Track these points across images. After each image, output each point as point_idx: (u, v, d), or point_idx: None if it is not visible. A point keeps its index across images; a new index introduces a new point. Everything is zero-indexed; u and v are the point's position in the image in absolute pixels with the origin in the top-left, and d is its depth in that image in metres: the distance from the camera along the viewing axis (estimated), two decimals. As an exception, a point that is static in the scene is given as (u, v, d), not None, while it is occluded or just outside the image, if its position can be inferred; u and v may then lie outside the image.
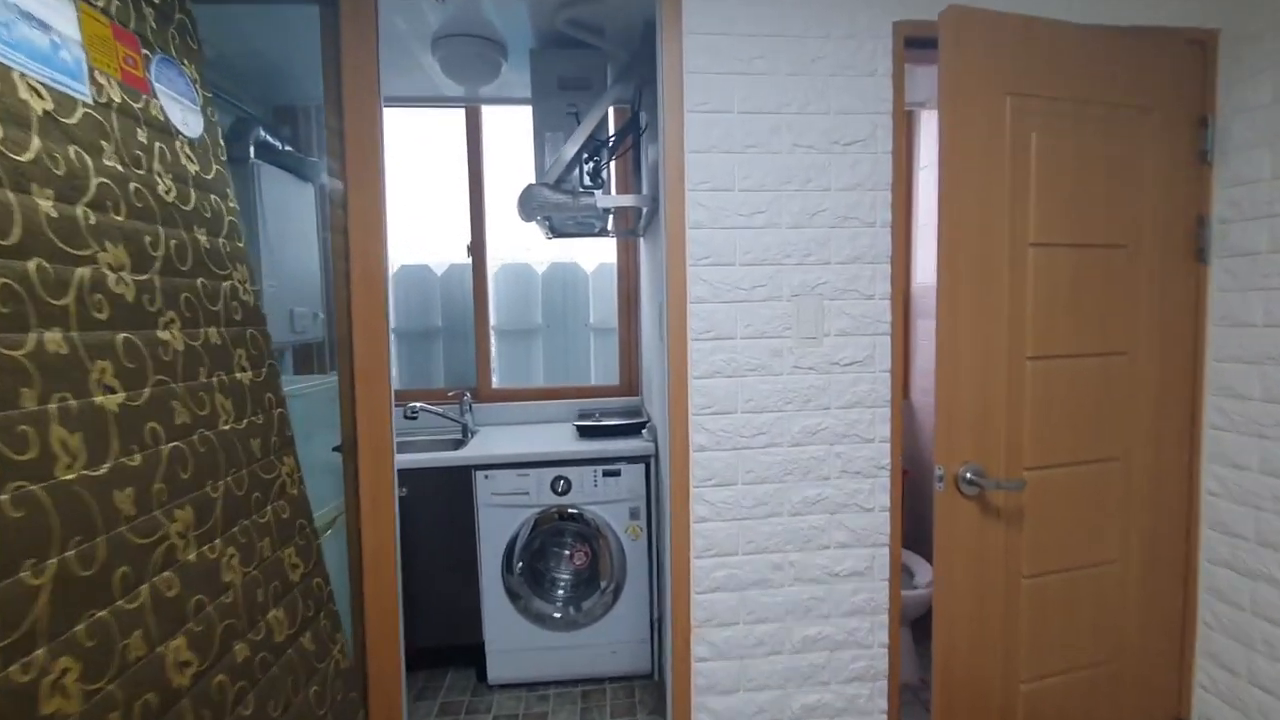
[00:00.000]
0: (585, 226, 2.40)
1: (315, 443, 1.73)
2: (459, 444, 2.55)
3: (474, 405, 2.73)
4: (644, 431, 2.34)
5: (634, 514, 2.25)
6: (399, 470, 2.17)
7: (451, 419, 2.62)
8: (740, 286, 1.55)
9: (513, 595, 2.23)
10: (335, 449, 1.52)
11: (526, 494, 2.21)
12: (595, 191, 1.98)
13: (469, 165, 2.79)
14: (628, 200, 2.02)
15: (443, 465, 2.20)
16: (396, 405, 2.78)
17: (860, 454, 1.59)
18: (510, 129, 2.85)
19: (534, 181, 1.94)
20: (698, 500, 1.56)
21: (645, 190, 2.17)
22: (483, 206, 2.82)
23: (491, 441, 2.46)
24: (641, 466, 2.25)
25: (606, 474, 2.23)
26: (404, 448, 2.63)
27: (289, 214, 2.34)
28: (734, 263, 1.54)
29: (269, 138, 2.36)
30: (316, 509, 1.54)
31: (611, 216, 2.38)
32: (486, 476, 2.20)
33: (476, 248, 2.83)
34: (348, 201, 1.51)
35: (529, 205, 1.89)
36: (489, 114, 2.80)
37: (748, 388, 1.56)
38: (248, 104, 2.38)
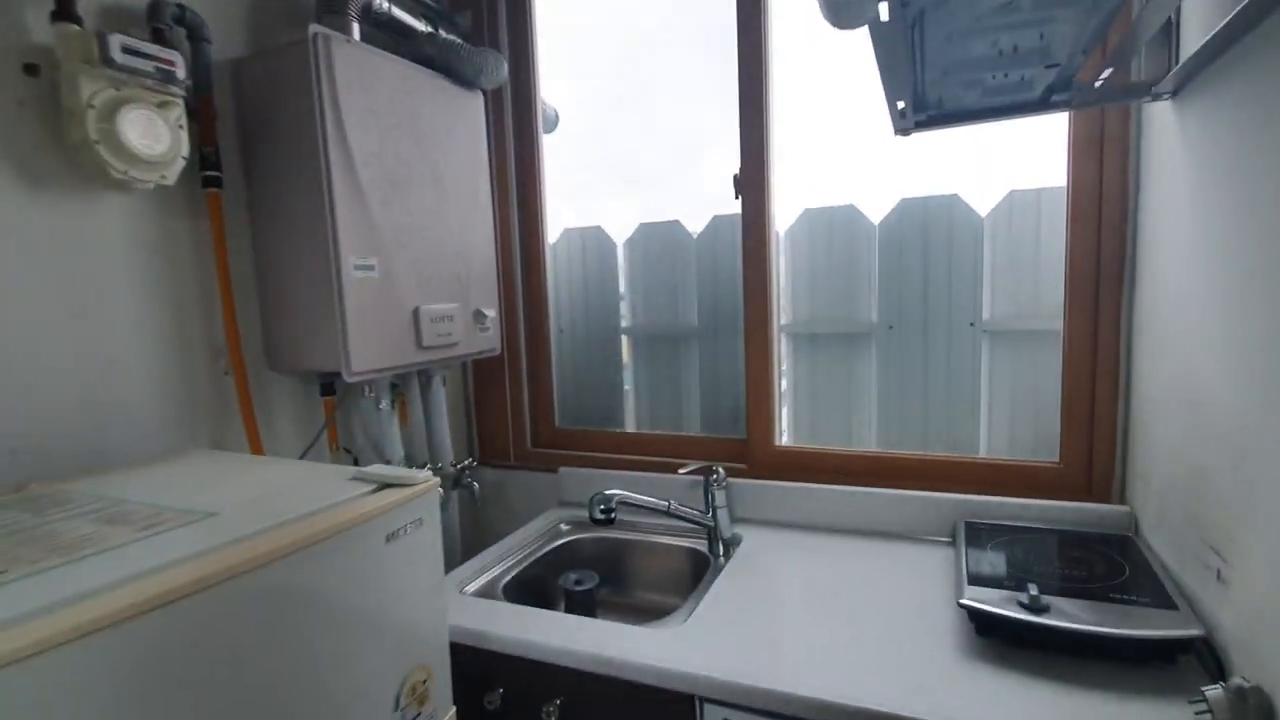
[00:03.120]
0: (1015, 79, 0.88)
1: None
2: (699, 572, 1.30)
3: (732, 483, 1.44)
4: (1217, 694, 0.74)
5: None
6: (532, 660, 1.01)
7: (689, 519, 1.36)
8: None
9: None
10: None
11: (828, 796, 0.84)
12: None
13: (740, 17, 1.45)
14: None
15: (626, 675, 0.96)
16: (602, 467, 1.59)
17: None
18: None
19: None
20: None
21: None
22: (763, 92, 1.46)
23: (761, 582, 1.13)
24: (1221, 833, 0.68)
25: (1082, 819, 0.73)
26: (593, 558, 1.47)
27: (426, 137, 1.33)
28: None
29: (399, 11, 1.37)
30: None
31: (1085, 51, 0.81)
32: (728, 723, 0.90)
33: (750, 179, 1.49)
34: None
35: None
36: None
37: None
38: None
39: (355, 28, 1.26)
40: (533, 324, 1.76)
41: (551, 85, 1.79)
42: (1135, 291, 1.15)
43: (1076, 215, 1.20)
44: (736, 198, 1.49)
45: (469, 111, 1.46)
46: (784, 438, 1.56)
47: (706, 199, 1.65)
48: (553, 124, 1.90)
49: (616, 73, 1.79)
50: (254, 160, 1.22)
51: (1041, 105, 0.98)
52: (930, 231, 1.47)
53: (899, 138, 1.06)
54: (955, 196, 1.46)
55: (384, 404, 1.33)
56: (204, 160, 1.13)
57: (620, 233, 1.78)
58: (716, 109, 1.55)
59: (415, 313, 1.29)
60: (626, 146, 1.79)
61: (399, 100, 1.26)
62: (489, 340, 1.51)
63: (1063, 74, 0.88)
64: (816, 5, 0.57)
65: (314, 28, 1.11)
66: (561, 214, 1.82)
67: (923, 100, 0.96)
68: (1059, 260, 1.33)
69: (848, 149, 1.52)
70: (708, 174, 1.64)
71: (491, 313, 1.49)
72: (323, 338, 1.18)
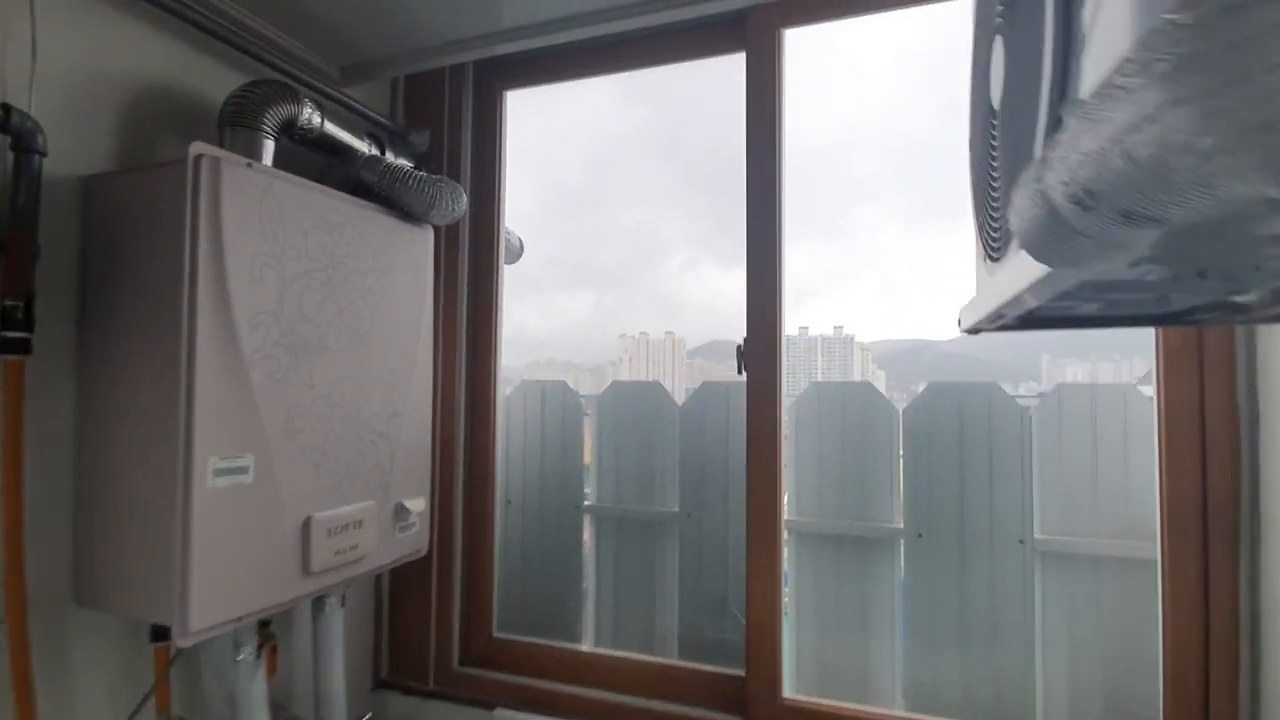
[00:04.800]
0: (1158, 296, 0.64)
1: None
2: None
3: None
4: None
5: None
6: None
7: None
8: None
9: None
10: None
11: None
12: None
13: (750, 136, 1.24)
14: None
15: None
16: (548, 709, 1.13)
17: None
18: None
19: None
20: None
21: None
22: (776, 237, 1.22)
23: None
24: None
25: None
26: None
27: (350, 284, 1.02)
28: None
29: (334, 127, 1.09)
30: None
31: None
32: None
33: (759, 341, 1.22)
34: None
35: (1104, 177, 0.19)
36: (797, 42, 1.24)
37: None
38: (305, 56, 1.16)
39: (268, 146, 0.98)
40: (475, 500, 1.41)
41: (513, 199, 1.54)
42: (1262, 548, 0.90)
43: (1173, 439, 0.96)
44: (740, 373, 1.22)
45: (415, 251, 1.17)
46: (793, 686, 1.21)
47: (690, 318, 1.39)
48: (516, 254, 1.64)
49: (580, 182, 1.56)
50: (93, 313, 0.88)
51: (1168, 319, 0.75)
52: (966, 424, 1.23)
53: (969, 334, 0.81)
54: (994, 385, 1.23)
55: (245, 653, 0.93)
56: (5, 317, 0.78)
57: (585, 370, 1.48)
58: (680, 218, 1.31)
59: (305, 525, 0.93)
60: (591, 256, 1.54)
61: (315, 239, 0.96)
62: (412, 541, 1.15)
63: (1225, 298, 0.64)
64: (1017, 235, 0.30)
65: (196, 147, 0.81)
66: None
67: (1068, 303, 0.72)
68: (1122, 470, 1.11)
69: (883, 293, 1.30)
70: (688, 292, 1.38)
71: (419, 505, 1.14)
72: (151, 576, 0.80)
